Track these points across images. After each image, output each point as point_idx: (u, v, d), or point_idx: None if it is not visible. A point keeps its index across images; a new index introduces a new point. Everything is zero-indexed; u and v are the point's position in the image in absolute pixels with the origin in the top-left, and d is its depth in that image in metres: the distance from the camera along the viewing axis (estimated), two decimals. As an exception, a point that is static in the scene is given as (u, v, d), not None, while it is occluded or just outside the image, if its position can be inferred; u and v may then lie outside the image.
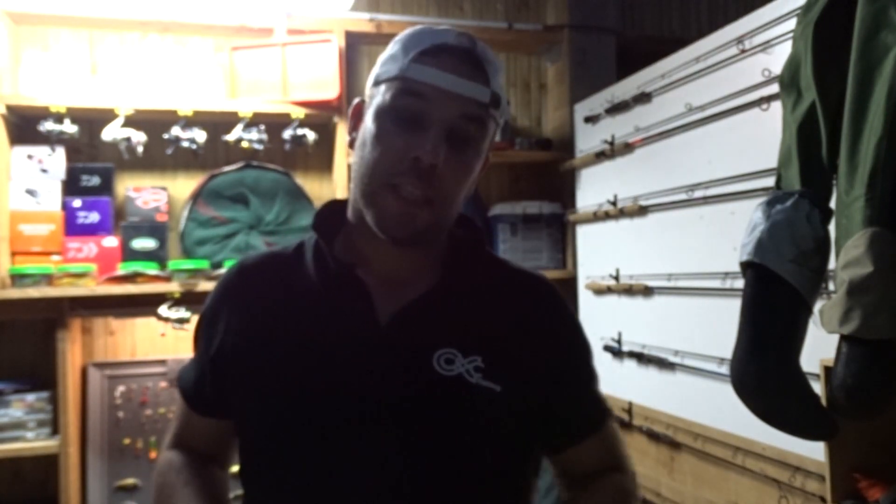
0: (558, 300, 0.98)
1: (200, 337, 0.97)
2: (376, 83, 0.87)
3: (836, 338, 1.15)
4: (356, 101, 0.93)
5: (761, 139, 1.80)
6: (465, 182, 0.87)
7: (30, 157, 2.52)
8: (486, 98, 0.85)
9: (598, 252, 2.71)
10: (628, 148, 2.45)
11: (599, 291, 2.64)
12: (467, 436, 0.85)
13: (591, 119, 2.73)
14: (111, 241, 2.55)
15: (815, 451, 1.59)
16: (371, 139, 0.85)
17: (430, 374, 0.84)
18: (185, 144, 2.58)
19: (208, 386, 0.94)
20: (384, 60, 0.88)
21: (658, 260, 2.29)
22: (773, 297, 1.23)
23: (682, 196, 2.14)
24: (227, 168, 2.74)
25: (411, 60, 0.83)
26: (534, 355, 0.90)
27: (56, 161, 2.53)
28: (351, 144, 0.92)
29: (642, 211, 2.36)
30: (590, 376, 0.99)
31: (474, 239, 0.96)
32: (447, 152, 0.83)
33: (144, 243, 2.60)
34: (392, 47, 0.87)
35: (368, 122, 0.87)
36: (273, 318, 0.89)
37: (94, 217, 2.56)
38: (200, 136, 2.59)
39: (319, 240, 0.92)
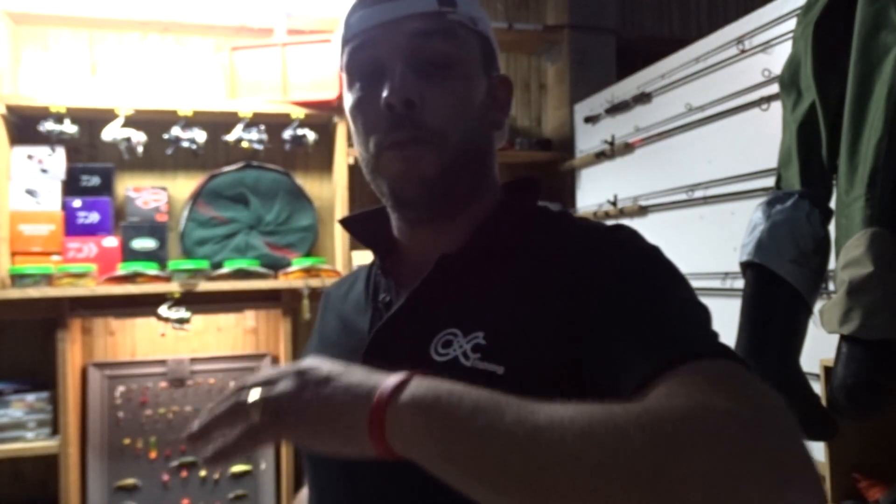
0: (618, 244, 0.71)
1: None
2: (342, 69, 0.81)
3: (836, 338, 1.15)
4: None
5: (761, 139, 1.80)
6: (462, 106, 0.75)
7: (30, 157, 2.52)
8: (431, 5, 0.73)
9: (598, 252, 2.70)
10: (628, 148, 2.45)
11: (599, 291, 2.63)
12: None
13: (591, 119, 2.73)
14: (111, 242, 2.55)
15: (815, 451, 1.59)
16: (352, 117, 0.78)
17: (426, 363, 0.69)
18: (185, 144, 2.58)
19: None
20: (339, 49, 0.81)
21: (658, 260, 2.29)
22: (773, 297, 1.23)
23: (682, 196, 2.14)
24: (227, 168, 2.74)
25: (347, 23, 0.77)
26: (567, 312, 0.66)
27: (56, 161, 2.53)
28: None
29: (642, 211, 2.36)
30: (648, 307, 0.63)
31: (521, 198, 0.82)
32: (419, 82, 0.72)
33: (144, 243, 2.60)
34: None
35: (347, 105, 0.79)
36: (321, 336, 0.88)
37: (94, 217, 2.56)
38: (200, 136, 2.59)
39: (375, 254, 0.85)
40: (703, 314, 0.65)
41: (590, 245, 0.72)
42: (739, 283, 1.38)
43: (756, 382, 0.54)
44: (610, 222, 2.73)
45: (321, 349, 0.83)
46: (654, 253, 0.71)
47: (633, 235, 0.73)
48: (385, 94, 0.72)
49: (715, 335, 0.63)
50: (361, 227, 0.86)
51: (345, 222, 0.88)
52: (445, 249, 0.75)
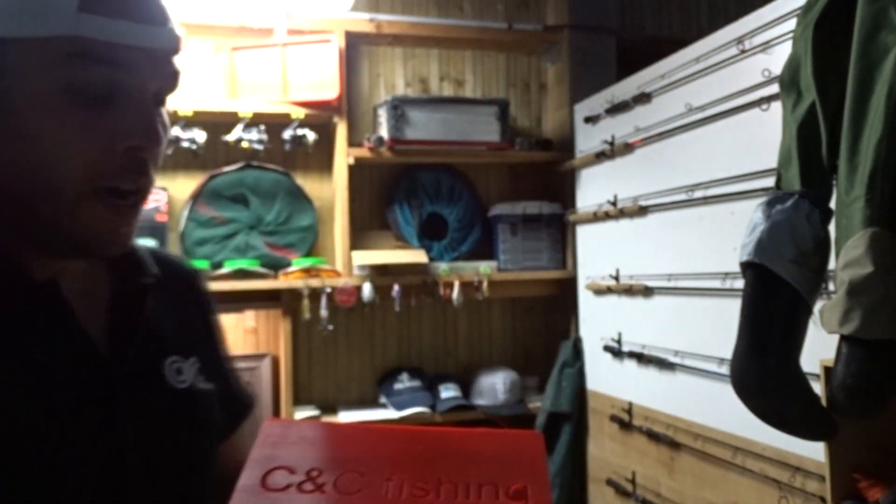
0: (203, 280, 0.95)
1: None
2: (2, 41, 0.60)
3: (836, 338, 1.15)
4: None
5: (761, 139, 1.80)
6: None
7: (30, 157, 2.52)
8: (177, 43, 0.65)
9: (598, 252, 2.71)
10: (628, 148, 2.45)
11: (599, 292, 2.64)
12: (204, 447, 0.78)
13: (591, 119, 2.73)
14: (111, 242, 2.55)
15: (815, 451, 1.59)
16: (41, 131, 0.61)
17: (165, 390, 0.73)
18: (185, 144, 2.58)
19: None
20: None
21: (658, 260, 2.29)
22: (773, 297, 1.23)
23: (682, 196, 2.14)
24: (227, 168, 2.74)
25: (79, 9, 0.59)
26: (216, 341, 0.90)
27: (56, 161, 2.53)
28: None
29: (642, 211, 2.36)
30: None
31: None
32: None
33: (144, 243, 2.59)
34: None
35: (19, 103, 0.60)
36: None
37: (94, 217, 2.56)
38: (200, 136, 2.59)
39: None
40: None
41: (204, 288, 0.93)
42: (739, 283, 1.38)
43: None
44: (610, 222, 2.74)
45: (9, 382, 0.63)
46: None
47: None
48: (129, 134, 0.62)
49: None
50: None
51: None
52: (87, 268, 0.73)
